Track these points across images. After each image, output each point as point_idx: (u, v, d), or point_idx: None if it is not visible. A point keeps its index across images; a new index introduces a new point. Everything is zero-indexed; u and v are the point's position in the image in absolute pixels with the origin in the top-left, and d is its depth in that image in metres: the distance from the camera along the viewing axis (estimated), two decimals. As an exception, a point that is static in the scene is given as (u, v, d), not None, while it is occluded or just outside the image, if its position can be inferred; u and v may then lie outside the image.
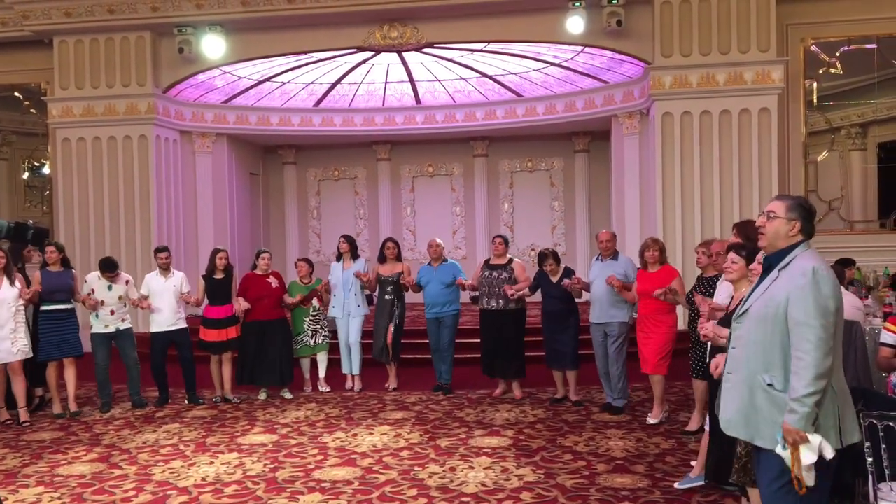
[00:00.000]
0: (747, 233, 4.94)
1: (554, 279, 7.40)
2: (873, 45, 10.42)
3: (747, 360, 3.05)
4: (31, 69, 11.65)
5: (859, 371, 5.24)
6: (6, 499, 4.91)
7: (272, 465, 5.59)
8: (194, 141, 12.23)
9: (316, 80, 12.36)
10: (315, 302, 8.23)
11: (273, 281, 8.03)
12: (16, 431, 6.80)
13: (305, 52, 10.79)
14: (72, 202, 11.04)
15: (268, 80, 12.05)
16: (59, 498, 4.97)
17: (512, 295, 7.52)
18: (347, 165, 14.55)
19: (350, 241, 8.53)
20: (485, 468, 5.41)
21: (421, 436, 6.33)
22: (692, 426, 6.25)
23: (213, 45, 10.25)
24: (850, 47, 10.49)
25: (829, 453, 2.83)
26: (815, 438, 2.82)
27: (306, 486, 5.12)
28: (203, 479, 5.32)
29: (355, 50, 10.69)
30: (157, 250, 8.02)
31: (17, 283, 7.09)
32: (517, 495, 4.83)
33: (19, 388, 7.08)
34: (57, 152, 11.21)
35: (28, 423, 7.03)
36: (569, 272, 7.41)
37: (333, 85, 12.55)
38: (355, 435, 6.41)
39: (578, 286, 7.16)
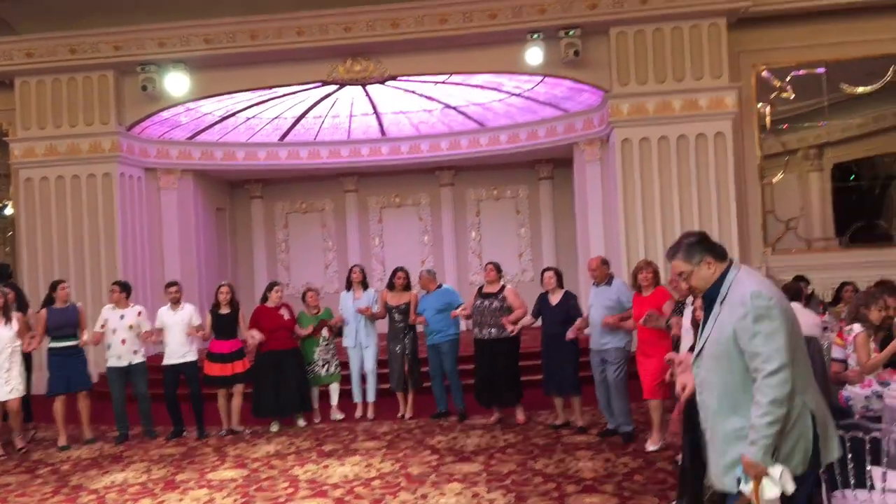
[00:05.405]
0: None
1: (553, 301, 7.32)
2: (822, 70, 10.78)
3: (715, 407, 2.90)
4: (-8, 110, 11.57)
5: (820, 387, 5.37)
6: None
7: (243, 500, 5.56)
8: (159, 178, 12.19)
9: (281, 115, 12.44)
10: (325, 332, 8.26)
11: (284, 312, 8.10)
12: (-21, 476, 6.68)
13: (269, 87, 10.87)
14: (35, 242, 10.89)
15: (232, 115, 12.10)
16: (24, 541, 4.90)
17: (512, 330, 7.44)
18: (315, 198, 14.60)
19: (364, 271, 8.66)
20: (456, 494, 5.43)
21: (392, 464, 6.34)
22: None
23: (176, 82, 10.27)
24: (801, 72, 10.82)
25: (791, 487, 2.70)
26: (776, 470, 2.69)
27: (277, 518, 5.10)
28: (172, 516, 5.28)
29: (319, 84, 10.80)
30: (167, 285, 8.14)
31: (15, 324, 7.35)
32: (488, 519, 4.87)
33: (16, 422, 7.45)
34: (20, 192, 11.10)
35: (24, 449, 7.42)
36: (569, 297, 7.34)
37: (298, 119, 12.63)
38: (326, 466, 6.40)
39: (581, 329, 7.09)
